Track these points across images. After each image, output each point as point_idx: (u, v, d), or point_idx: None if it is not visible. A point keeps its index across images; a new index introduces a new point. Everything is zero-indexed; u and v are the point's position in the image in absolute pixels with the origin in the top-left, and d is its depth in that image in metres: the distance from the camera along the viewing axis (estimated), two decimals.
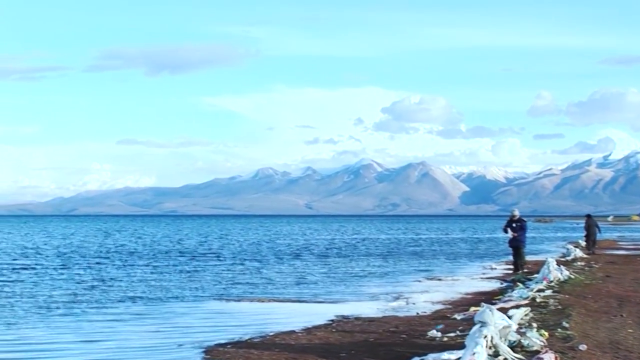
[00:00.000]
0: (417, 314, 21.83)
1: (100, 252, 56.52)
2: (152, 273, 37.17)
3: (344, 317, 21.16)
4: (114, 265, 42.55)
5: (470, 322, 16.43)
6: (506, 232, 33.44)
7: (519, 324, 15.73)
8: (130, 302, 25.49)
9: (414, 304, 24.59)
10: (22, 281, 32.59)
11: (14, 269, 39.37)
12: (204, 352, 15.88)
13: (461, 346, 13.25)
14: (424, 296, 26.82)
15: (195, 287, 30.27)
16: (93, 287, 30.29)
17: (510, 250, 34.84)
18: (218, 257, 50.88)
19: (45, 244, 69.58)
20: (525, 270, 32.42)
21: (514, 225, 33.08)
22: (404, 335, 17.08)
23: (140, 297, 26.71)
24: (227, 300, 26.37)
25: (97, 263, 43.95)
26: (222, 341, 17.12)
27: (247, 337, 17.57)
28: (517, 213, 33.92)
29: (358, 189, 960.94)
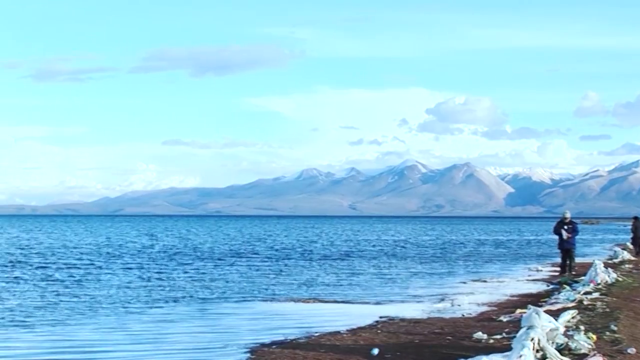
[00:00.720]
0: (463, 315, 21.71)
1: (144, 252, 56.97)
2: (195, 274, 37.34)
3: (389, 318, 21.10)
4: (158, 265, 42.84)
5: (516, 324, 16.32)
6: (557, 233, 33.03)
7: (566, 327, 15.58)
8: (175, 302, 25.64)
9: (459, 305, 24.45)
10: (66, 281, 32.93)
11: (58, 268, 39.81)
12: (249, 352, 15.91)
13: (507, 348, 13.14)
14: (469, 298, 26.64)
15: (240, 288, 30.37)
16: (137, 287, 30.51)
17: (558, 252, 34.51)
18: (261, 257, 51.03)
19: (90, 244, 70.30)
20: (573, 273, 32.08)
21: (565, 227, 32.72)
22: (450, 337, 16.99)
23: (185, 298, 26.85)
24: (272, 300, 26.43)
25: (141, 263, 44.29)
26: (267, 341, 17.15)
27: (292, 338, 17.58)
28: (568, 215, 33.52)
29: (402, 190, 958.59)
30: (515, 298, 26.32)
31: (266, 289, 29.95)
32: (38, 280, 32.86)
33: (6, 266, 41.10)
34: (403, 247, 69.59)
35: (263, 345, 16.69)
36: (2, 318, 21.60)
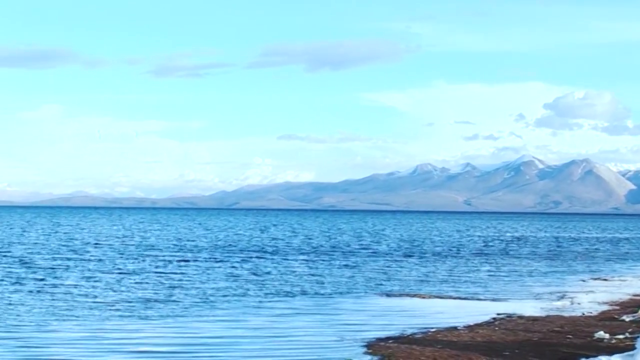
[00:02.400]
0: (583, 314, 21.24)
1: (256, 245, 57.62)
2: (308, 267, 37.56)
3: (506, 315, 20.82)
4: (270, 259, 43.20)
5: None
6: None
7: None
8: (290, 297, 25.79)
9: (578, 304, 23.93)
10: (183, 273, 33.50)
11: (174, 261, 40.55)
12: (366, 346, 15.91)
13: (631, 349, 12.82)
14: (589, 296, 26.04)
15: (353, 283, 30.40)
16: (250, 280, 30.83)
17: None
18: (374, 252, 50.99)
19: (206, 237, 71.51)
20: None
21: None
22: (570, 336, 16.65)
23: (300, 292, 26.99)
24: (388, 295, 26.37)
25: (253, 256, 44.78)
26: (383, 336, 17.13)
27: (408, 333, 17.52)
28: None
29: (518, 186, 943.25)
30: (638, 297, 25.61)
31: (379, 284, 29.91)
32: (151, 272, 33.59)
33: (121, 257, 42.21)
34: (520, 244, 68.53)
35: (379, 339, 16.67)
36: (121, 309, 22.06)
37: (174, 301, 23.99)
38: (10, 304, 22.25)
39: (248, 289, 27.58)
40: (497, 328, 18.14)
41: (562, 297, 25.79)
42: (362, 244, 62.01)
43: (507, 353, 14.71)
